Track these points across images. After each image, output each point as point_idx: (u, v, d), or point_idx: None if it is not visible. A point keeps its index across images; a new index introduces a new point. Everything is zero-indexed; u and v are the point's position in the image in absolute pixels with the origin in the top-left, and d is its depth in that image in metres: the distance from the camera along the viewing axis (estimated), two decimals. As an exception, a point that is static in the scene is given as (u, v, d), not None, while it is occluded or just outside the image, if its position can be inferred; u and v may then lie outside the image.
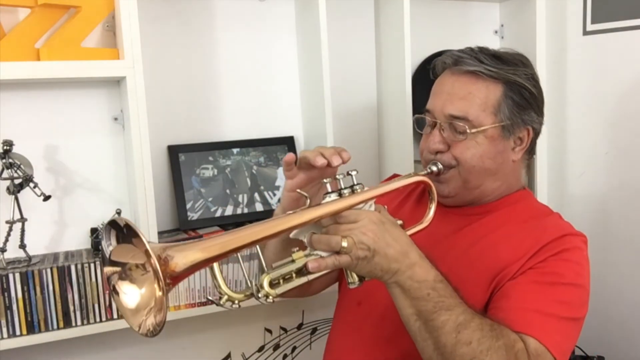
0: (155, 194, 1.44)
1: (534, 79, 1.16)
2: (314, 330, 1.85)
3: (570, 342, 1.04)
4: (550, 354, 0.96)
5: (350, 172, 1.01)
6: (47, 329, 1.37)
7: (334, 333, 1.27)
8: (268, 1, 1.71)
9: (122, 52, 1.40)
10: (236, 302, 0.93)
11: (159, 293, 0.77)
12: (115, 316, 1.43)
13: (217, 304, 0.93)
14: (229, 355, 1.76)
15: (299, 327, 1.85)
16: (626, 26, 1.75)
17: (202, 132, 1.66)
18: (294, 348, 1.85)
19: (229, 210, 1.65)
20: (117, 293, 0.84)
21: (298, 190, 1.03)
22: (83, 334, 1.40)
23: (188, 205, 1.60)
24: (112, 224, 0.82)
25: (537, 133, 1.18)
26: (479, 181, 1.14)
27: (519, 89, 1.13)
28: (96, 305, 1.41)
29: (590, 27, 1.82)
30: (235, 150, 1.68)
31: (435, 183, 1.13)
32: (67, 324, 1.38)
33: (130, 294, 0.83)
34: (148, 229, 1.43)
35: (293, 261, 0.95)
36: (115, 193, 1.56)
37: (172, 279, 0.80)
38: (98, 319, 1.41)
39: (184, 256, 0.81)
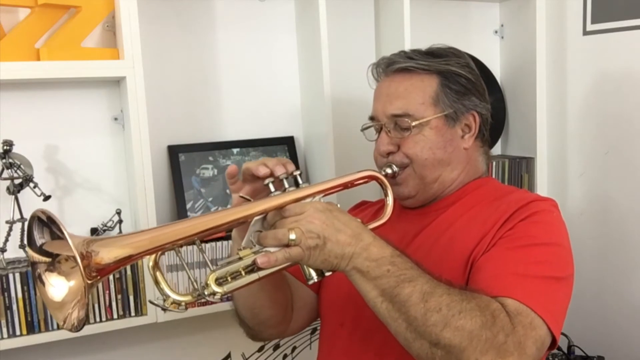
0: (155, 194, 1.44)
1: (468, 66, 1.17)
2: (314, 330, 1.85)
3: (557, 302, 0.98)
4: (532, 312, 0.91)
5: (294, 173, 0.99)
6: (47, 329, 1.37)
7: (322, 358, 1.22)
8: (268, 1, 1.71)
9: (122, 52, 1.40)
10: (182, 304, 0.88)
11: (82, 287, 0.75)
12: (115, 316, 1.43)
13: (163, 308, 0.88)
14: (229, 355, 1.76)
15: (299, 327, 1.84)
16: (626, 26, 1.74)
17: (202, 132, 1.66)
18: (294, 348, 1.84)
19: (229, 210, 1.65)
20: (42, 283, 0.81)
21: (240, 195, 0.99)
22: (83, 334, 1.40)
23: (188, 205, 1.60)
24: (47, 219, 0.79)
25: (485, 119, 1.18)
26: (435, 174, 1.13)
27: (454, 78, 1.14)
28: (96, 305, 1.41)
29: (590, 27, 1.82)
30: (235, 150, 1.68)
31: (394, 186, 1.13)
32: (67, 324, 1.38)
33: (58, 287, 0.80)
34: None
35: (240, 258, 0.91)
36: (115, 193, 1.56)
37: (99, 271, 0.77)
38: (98, 319, 1.42)
39: (108, 251, 0.78)
